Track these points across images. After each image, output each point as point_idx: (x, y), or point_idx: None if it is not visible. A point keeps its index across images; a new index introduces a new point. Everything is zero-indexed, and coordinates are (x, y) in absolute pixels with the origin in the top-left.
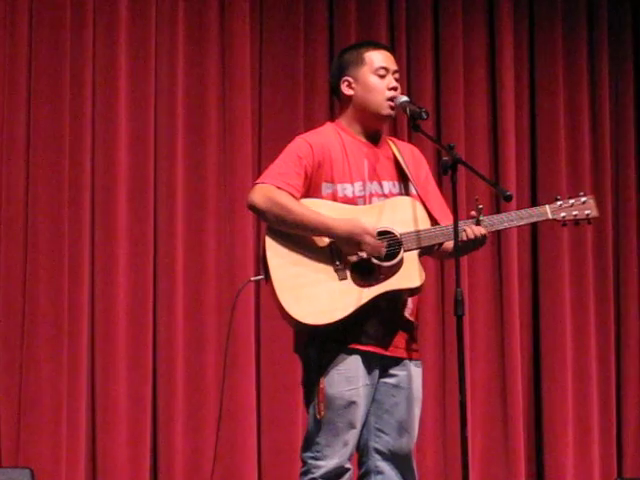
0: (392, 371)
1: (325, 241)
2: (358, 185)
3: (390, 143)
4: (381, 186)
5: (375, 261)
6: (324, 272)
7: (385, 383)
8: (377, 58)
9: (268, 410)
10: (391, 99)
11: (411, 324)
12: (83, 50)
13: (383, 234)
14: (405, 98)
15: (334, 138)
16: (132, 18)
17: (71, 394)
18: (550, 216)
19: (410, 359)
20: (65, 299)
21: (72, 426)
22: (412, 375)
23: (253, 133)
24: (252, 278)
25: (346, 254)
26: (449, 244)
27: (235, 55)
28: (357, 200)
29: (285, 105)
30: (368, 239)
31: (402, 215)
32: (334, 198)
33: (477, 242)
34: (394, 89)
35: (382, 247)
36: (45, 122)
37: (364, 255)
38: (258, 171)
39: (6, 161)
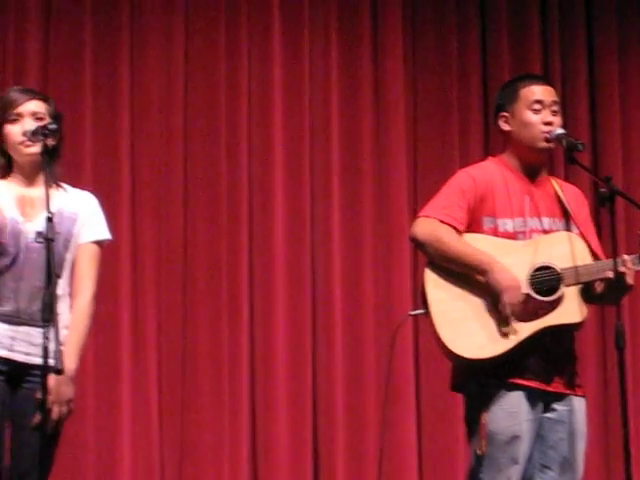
0: (555, 406)
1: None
2: (519, 220)
3: (553, 181)
4: (541, 222)
5: (535, 296)
6: (483, 306)
7: (548, 419)
8: (531, 92)
9: (428, 446)
10: (546, 133)
11: (574, 359)
12: (238, 78)
13: (542, 269)
14: (561, 130)
15: (496, 173)
16: (284, 47)
17: (233, 434)
18: None
19: (574, 395)
20: (225, 339)
21: (234, 466)
22: (575, 410)
23: (408, 167)
24: (411, 312)
25: None
26: (600, 287)
27: (388, 90)
28: (517, 235)
29: (439, 139)
30: (515, 298)
31: (560, 250)
32: (495, 233)
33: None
34: (549, 124)
35: (520, 311)
36: (201, 154)
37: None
38: (414, 205)
39: (165, 208)
